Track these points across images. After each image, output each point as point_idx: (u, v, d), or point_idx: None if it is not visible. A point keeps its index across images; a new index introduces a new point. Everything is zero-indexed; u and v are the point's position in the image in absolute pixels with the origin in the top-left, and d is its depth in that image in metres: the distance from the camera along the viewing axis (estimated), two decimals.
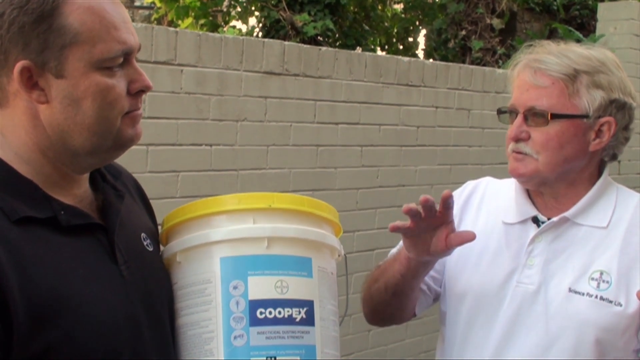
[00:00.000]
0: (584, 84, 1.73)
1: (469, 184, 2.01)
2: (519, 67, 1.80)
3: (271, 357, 1.35)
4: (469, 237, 1.67)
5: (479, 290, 1.82)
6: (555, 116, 1.73)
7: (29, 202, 1.24)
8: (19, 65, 1.21)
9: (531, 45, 1.83)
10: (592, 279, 1.72)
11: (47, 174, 1.29)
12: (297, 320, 1.38)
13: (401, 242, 1.78)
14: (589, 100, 1.73)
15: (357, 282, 4.31)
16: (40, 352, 1.17)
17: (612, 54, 1.82)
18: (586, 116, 1.74)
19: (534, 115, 1.75)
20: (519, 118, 1.77)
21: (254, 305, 1.37)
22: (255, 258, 1.39)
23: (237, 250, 1.40)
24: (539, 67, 1.75)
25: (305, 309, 1.39)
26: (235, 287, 1.38)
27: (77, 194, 1.34)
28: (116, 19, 1.26)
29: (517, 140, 1.77)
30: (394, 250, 1.93)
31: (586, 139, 1.76)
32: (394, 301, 1.89)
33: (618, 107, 1.76)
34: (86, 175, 1.38)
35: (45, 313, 1.18)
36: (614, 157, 1.84)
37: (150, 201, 1.63)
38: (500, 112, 1.87)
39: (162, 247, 1.52)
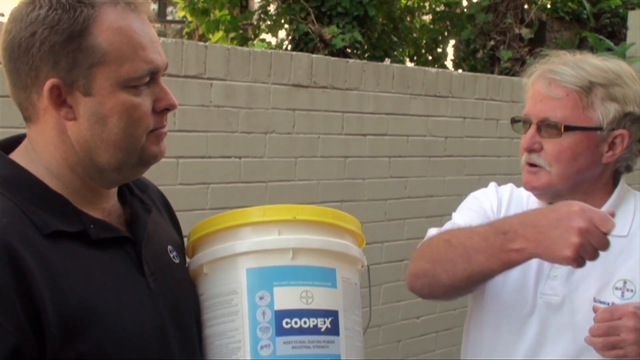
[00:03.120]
0: (599, 96, 1.73)
1: (494, 185, 1.98)
2: (534, 76, 1.80)
3: None
4: None
5: (504, 302, 1.82)
6: (568, 128, 1.72)
7: (60, 217, 1.26)
8: (48, 83, 1.24)
9: (547, 55, 1.82)
10: (617, 288, 1.72)
11: (76, 189, 1.32)
12: (323, 330, 1.39)
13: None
14: (603, 112, 1.73)
15: (386, 292, 4.33)
16: None
17: (628, 66, 1.81)
18: (600, 128, 1.73)
19: (547, 127, 1.75)
20: (532, 129, 1.77)
21: (280, 315, 1.38)
22: (280, 269, 1.41)
23: (263, 261, 1.42)
24: (553, 77, 1.74)
25: (330, 319, 1.40)
26: (261, 298, 1.39)
27: (106, 207, 1.36)
28: (144, 39, 1.28)
29: (530, 151, 1.77)
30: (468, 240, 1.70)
31: (599, 151, 1.76)
32: (467, 284, 1.73)
33: (632, 120, 1.76)
34: (114, 190, 1.40)
35: (76, 324, 1.20)
36: (628, 168, 1.84)
37: (181, 213, 1.66)
38: (514, 121, 1.87)
39: (188, 259, 1.54)
